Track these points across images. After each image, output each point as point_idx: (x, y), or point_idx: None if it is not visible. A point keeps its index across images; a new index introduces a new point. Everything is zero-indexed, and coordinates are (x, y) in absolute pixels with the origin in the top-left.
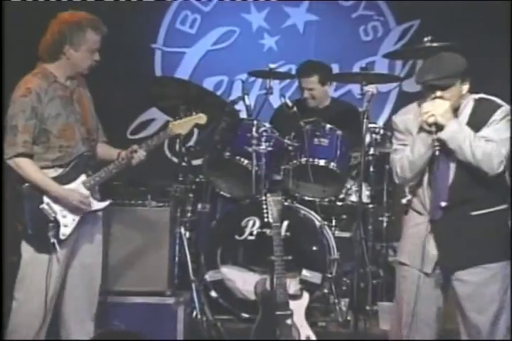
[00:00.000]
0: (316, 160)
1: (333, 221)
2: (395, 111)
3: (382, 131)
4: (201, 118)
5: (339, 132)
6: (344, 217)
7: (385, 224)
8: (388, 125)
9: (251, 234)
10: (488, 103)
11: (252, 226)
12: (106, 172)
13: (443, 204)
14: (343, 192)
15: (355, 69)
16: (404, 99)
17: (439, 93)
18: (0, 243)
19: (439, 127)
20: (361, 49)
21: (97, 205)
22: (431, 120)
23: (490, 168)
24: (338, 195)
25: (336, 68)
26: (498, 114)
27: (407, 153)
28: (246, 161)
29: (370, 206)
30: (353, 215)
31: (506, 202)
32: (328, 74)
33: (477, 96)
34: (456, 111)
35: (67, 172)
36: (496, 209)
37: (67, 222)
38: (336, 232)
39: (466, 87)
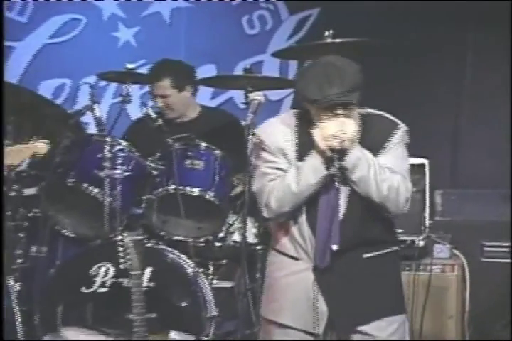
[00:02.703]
0: (188, 188)
1: (211, 267)
2: None
3: None
4: (40, 148)
5: (218, 152)
6: (224, 262)
7: None
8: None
9: (103, 285)
10: (380, 121)
11: (104, 275)
12: None
13: (334, 247)
14: (223, 229)
15: (238, 71)
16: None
17: (341, 111)
18: (0, 242)
19: (342, 153)
20: (245, 45)
21: None
22: (338, 146)
23: (396, 206)
24: (217, 233)
25: (212, 69)
26: (396, 136)
27: (289, 182)
28: (96, 190)
29: (258, 248)
30: (236, 260)
31: (397, 243)
32: (185, 77)
33: (363, 111)
34: None
35: None
36: (389, 251)
37: None
38: (214, 282)
39: None
